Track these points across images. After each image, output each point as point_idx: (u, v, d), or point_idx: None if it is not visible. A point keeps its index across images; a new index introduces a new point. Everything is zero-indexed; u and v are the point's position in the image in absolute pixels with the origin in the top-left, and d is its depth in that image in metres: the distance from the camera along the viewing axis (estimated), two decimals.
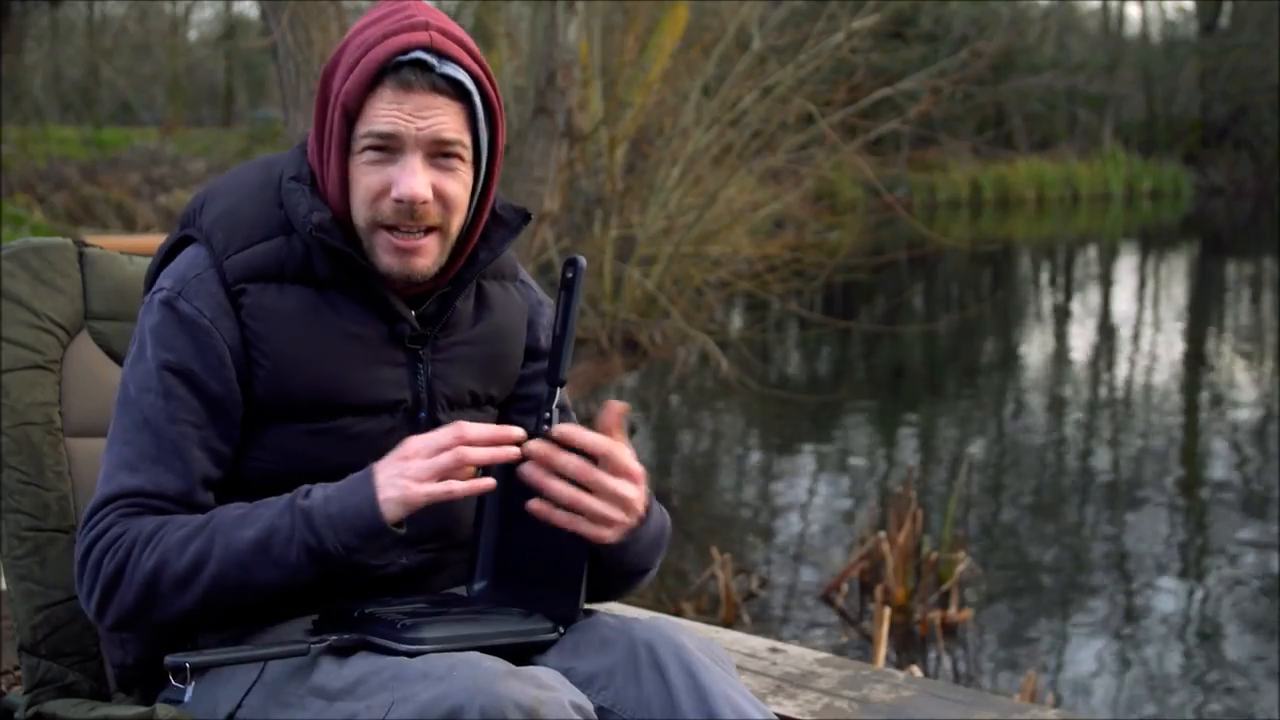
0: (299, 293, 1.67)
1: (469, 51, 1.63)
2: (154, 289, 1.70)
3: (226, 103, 28.32)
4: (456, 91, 1.62)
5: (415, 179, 1.61)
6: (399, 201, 1.61)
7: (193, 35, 29.37)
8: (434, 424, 1.74)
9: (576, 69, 7.58)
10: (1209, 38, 33.12)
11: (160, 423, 1.64)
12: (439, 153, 1.63)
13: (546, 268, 8.74)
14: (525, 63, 8.91)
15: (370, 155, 1.62)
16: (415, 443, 1.58)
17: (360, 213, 1.64)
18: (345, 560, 1.57)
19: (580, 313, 1.78)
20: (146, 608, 1.60)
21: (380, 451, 1.69)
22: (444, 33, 1.62)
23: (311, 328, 1.66)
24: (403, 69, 1.59)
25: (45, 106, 22.77)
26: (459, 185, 1.65)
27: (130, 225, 15.68)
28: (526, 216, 1.77)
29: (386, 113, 1.60)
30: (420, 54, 1.60)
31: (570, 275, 1.77)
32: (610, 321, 8.71)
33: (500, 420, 1.85)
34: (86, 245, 1.96)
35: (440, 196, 1.63)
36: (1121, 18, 35.98)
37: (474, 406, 1.79)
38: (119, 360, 1.91)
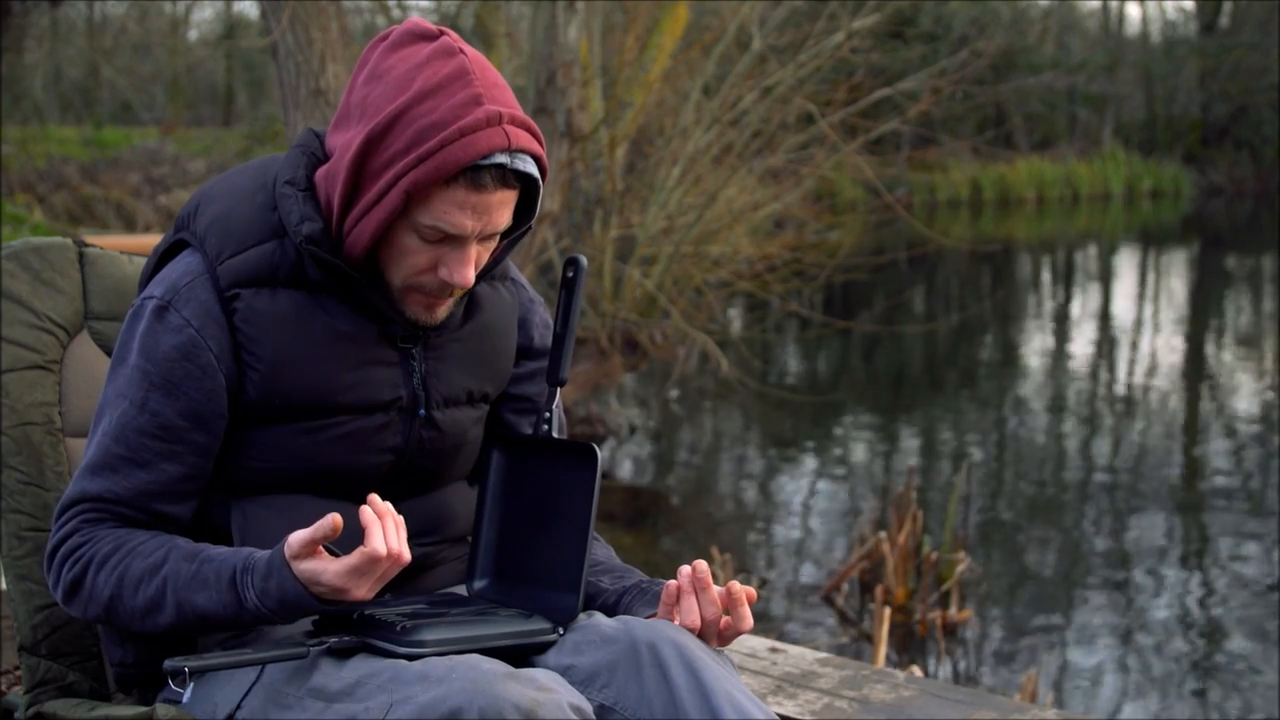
0: (291, 296, 1.68)
1: (532, 133, 1.63)
2: (145, 295, 1.70)
3: (226, 103, 28.28)
4: (522, 180, 1.65)
5: (469, 270, 1.65)
6: (447, 283, 1.65)
7: (193, 35, 29.34)
8: (430, 421, 1.74)
9: (576, 69, 7.58)
10: (1209, 38, 33.09)
11: (130, 432, 1.65)
12: (489, 236, 1.66)
13: (546, 268, 8.74)
14: (525, 63, 8.90)
15: (426, 235, 1.63)
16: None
17: (398, 275, 1.66)
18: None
19: (580, 313, 1.79)
20: (109, 622, 1.68)
21: (376, 449, 1.69)
22: (514, 121, 1.61)
23: (304, 330, 1.67)
24: (480, 170, 1.59)
25: (45, 106, 22.74)
26: (490, 249, 1.70)
27: (130, 225, 15.66)
28: (527, 225, 1.77)
29: (457, 216, 1.61)
30: (499, 157, 1.59)
31: (571, 274, 1.78)
32: (610, 321, 8.71)
33: (493, 419, 1.86)
34: (86, 245, 1.96)
35: (476, 266, 1.67)
36: (1121, 18, 35.97)
37: (468, 404, 1.80)
38: None
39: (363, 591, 1.54)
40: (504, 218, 1.65)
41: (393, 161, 1.59)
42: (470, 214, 1.61)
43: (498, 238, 1.69)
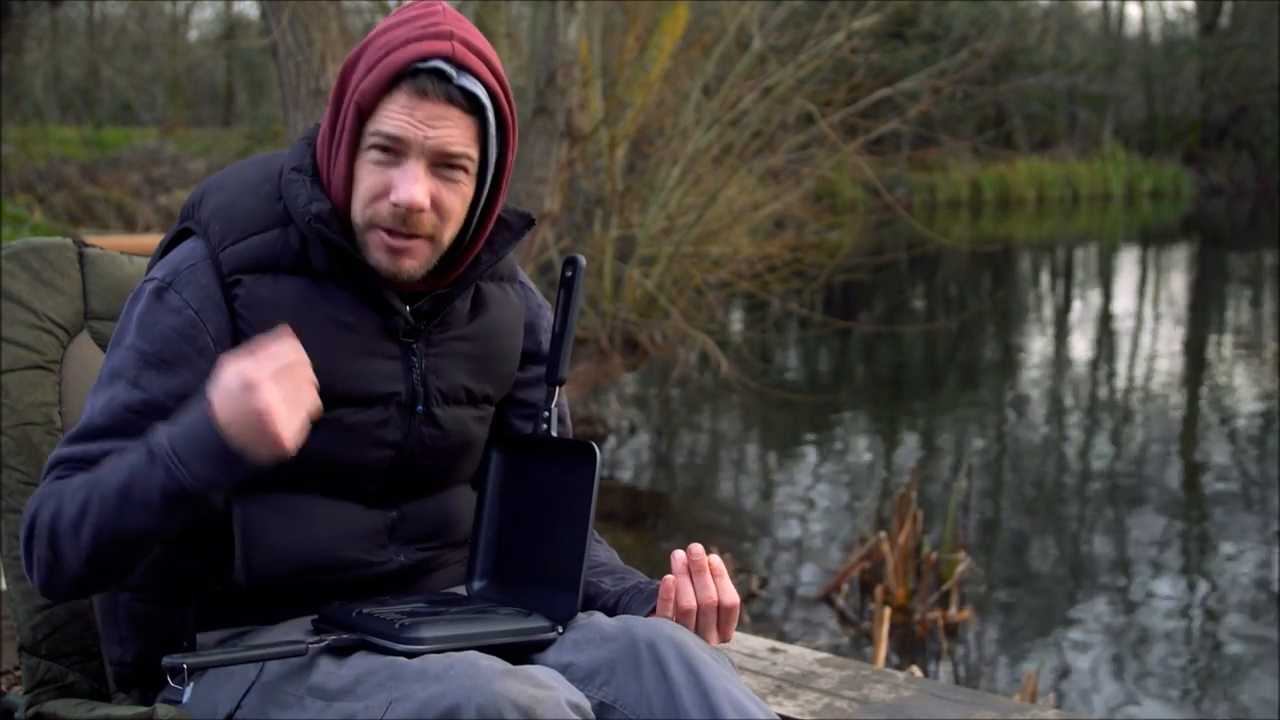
0: (294, 284, 1.68)
1: (489, 66, 1.64)
2: (146, 278, 1.70)
3: (226, 103, 28.29)
4: (470, 104, 1.63)
5: (416, 186, 1.62)
6: (396, 205, 1.63)
7: (193, 35, 29.34)
8: (430, 417, 1.74)
9: (576, 69, 7.57)
10: (1209, 38, 33.09)
11: (118, 406, 1.63)
12: (443, 163, 1.64)
13: (546, 268, 8.74)
14: (525, 63, 8.90)
15: (375, 155, 1.63)
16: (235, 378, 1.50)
17: (358, 210, 1.66)
18: (205, 494, 1.51)
19: (580, 313, 1.79)
20: (54, 561, 1.58)
21: (374, 443, 1.70)
22: (467, 44, 1.63)
23: (305, 319, 1.66)
24: (420, 76, 1.60)
25: (45, 106, 22.74)
26: (457, 198, 1.66)
27: (130, 225, 15.66)
28: (530, 221, 1.78)
29: (397, 116, 1.61)
30: (440, 63, 1.61)
31: (570, 274, 1.78)
32: (610, 321, 8.71)
33: (496, 424, 1.86)
34: (86, 245, 1.97)
35: (436, 206, 1.65)
36: (1121, 18, 35.97)
37: (469, 404, 1.79)
38: None
39: (265, 399, 1.47)
40: (453, 138, 1.63)
41: (354, 86, 1.63)
42: (410, 120, 1.61)
43: (461, 178, 1.66)
